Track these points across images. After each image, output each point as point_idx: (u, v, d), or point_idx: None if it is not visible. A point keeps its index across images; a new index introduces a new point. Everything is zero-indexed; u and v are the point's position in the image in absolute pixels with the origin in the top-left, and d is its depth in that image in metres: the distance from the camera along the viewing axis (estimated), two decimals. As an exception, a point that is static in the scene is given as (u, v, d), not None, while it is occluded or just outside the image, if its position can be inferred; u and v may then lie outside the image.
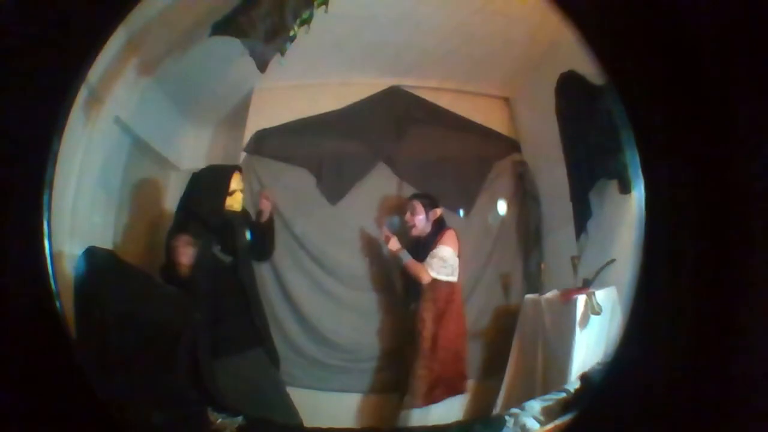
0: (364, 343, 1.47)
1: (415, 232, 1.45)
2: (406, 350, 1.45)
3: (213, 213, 1.36)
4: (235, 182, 1.39)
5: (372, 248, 1.49)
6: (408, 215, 1.46)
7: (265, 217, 1.42)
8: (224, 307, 1.36)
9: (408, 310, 1.46)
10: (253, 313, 1.39)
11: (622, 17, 0.96)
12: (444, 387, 1.41)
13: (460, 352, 1.44)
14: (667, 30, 0.94)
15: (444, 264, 1.43)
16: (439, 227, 1.46)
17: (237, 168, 1.41)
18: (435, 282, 1.43)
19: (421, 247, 1.45)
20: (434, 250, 1.43)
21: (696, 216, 0.92)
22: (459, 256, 1.44)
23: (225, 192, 1.37)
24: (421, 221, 1.45)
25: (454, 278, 1.43)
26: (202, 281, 1.30)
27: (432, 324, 1.43)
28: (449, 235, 1.44)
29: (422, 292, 1.43)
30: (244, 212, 1.41)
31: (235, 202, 1.38)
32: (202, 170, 1.38)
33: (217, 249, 1.35)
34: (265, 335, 1.40)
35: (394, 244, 1.44)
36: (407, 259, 1.44)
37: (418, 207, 1.46)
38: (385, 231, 1.45)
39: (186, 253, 1.28)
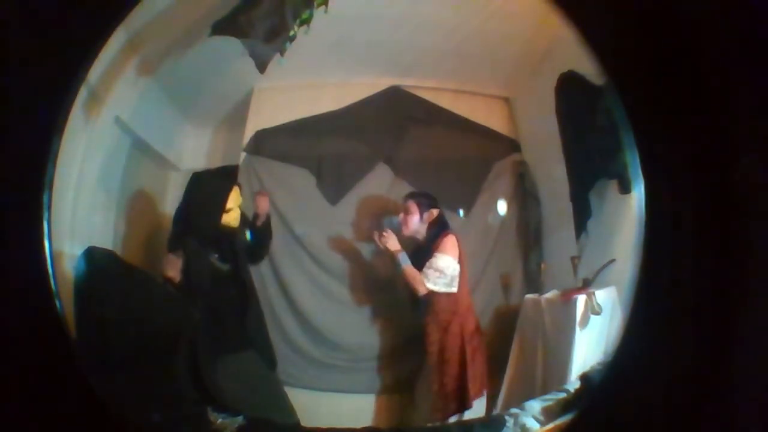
0: (364, 343, 1.47)
1: (406, 233, 1.38)
2: (413, 360, 1.42)
3: (210, 229, 1.34)
4: (232, 200, 1.36)
5: (372, 248, 1.48)
6: (402, 215, 1.39)
7: (261, 220, 1.41)
8: (223, 308, 1.36)
9: (414, 322, 1.41)
10: (252, 313, 1.39)
11: (622, 17, 0.96)
12: (455, 402, 1.36)
13: (463, 365, 1.37)
14: (667, 30, 0.94)
15: (441, 275, 1.36)
16: (437, 231, 1.38)
17: (234, 183, 1.38)
18: (434, 294, 1.36)
19: (421, 253, 1.38)
20: (431, 260, 1.36)
21: (696, 216, 0.92)
22: (460, 263, 1.37)
23: (221, 210, 1.35)
24: (414, 222, 1.38)
25: (453, 289, 1.36)
26: (201, 287, 1.30)
27: (437, 337, 1.38)
28: (448, 242, 1.37)
29: (426, 303, 1.37)
30: (243, 216, 1.40)
31: (231, 219, 1.36)
32: (199, 181, 1.36)
33: (214, 257, 1.35)
34: (264, 335, 1.40)
35: (393, 244, 1.37)
36: (405, 263, 1.36)
37: (413, 207, 1.39)
38: (382, 230, 1.38)
39: (173, 267, 1.27)
